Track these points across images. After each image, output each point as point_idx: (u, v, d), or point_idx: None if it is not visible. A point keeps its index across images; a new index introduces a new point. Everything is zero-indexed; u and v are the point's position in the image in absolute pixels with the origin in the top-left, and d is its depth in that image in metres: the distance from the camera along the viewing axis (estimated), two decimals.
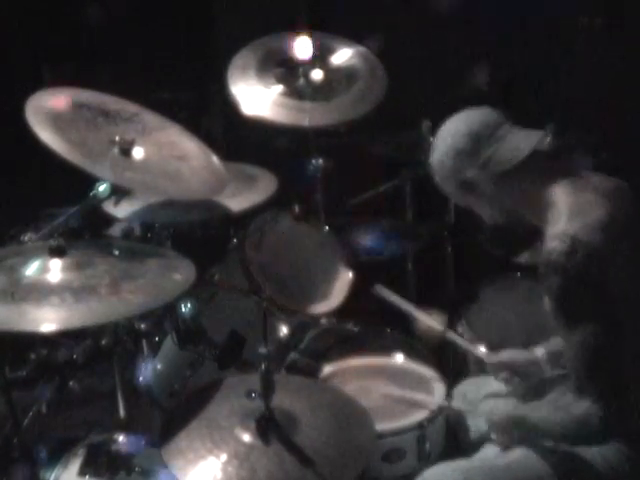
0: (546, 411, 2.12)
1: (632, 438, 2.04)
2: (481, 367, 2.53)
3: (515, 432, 2.17)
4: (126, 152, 2.37)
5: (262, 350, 1.93)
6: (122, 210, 2.68)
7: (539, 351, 2.36)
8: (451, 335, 2.61)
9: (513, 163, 2.10)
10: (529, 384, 2.36)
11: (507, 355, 2.43)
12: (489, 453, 2.22)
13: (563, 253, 1.94)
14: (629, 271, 2.01)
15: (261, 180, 3.06)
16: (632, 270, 2.01)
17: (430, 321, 2.61)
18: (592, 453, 2.07)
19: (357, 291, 2.84)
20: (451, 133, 2.16)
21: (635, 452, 2.04)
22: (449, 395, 2.43)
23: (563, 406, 2.03)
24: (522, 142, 2.13)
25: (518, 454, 2.13)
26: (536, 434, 2.12)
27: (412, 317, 2.63)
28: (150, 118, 2.56)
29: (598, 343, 1.95)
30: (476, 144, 2.12)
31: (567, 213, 2.02)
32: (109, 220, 2.77)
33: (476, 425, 2.37)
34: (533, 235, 2.15)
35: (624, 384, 2.00)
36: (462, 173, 2.14)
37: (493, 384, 2.45)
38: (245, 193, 2.95)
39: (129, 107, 2.55)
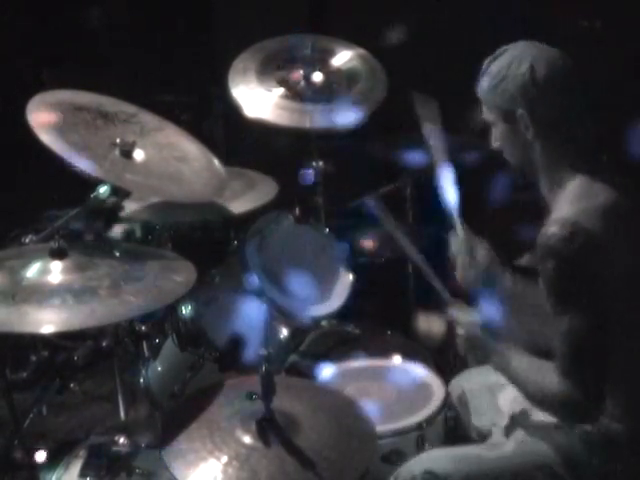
0: (527, 365, 2.06)
1: (612, 439, 2.02)
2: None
3: (479, 354, 2.16)
4: (127, 154, 2.38)
5: (262, 352, 1.93)
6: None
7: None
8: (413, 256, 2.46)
9: (564, 124, 2.02)
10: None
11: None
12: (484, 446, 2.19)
13: (562, 239, 1.92)
14: (628, 266, 1.98)
15: (262, 183, 3.07)
16: (631, 266, 1.99)
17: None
18: (579, 452, 2.04)
19: (357, 293, 2.84)
20: (533, 59, 2.01)
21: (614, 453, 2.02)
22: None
23: (547, 376, 1.99)
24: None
25: (512, 448, 2.11)
26: (504, 373, 2.10)
27: (395, 236, 2.50)
28: (148, 119, 2.56)
29: (586, 331, 1.93)
30: (548, 88, 2.00)
31: (571, 198, 2.00)
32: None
33: (479, 421, 2.37)
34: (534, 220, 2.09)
35: (606, 378, 1.97)
36: (514, 104, 2.03)
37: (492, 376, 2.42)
38: (246, 195, 2.96)
39: (127, 108, 2.55)
